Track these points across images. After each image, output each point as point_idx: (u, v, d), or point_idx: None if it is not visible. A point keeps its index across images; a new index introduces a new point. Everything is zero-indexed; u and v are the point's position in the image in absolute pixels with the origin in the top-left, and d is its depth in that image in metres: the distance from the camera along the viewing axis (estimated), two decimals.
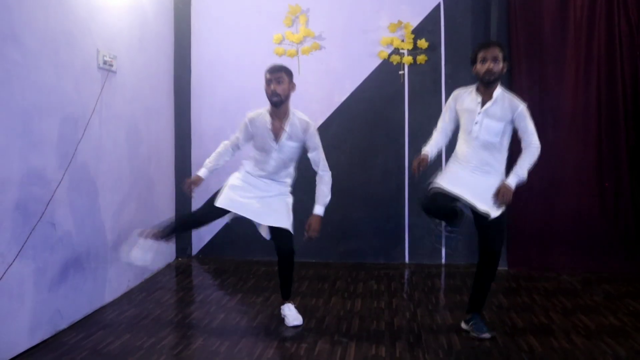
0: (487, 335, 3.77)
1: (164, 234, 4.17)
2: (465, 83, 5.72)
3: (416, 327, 4.02)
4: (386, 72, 5.92)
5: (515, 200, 5.45)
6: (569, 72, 5.61)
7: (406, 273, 5.60)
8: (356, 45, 5.95)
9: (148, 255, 4.09)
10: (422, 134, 5.81)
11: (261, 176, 4.12)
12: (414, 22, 5.87)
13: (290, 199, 4.21)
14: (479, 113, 3.76)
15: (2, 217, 3.32)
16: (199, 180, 4.30)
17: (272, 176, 4.12)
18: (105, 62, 4.46)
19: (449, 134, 4.08)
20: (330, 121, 5.99)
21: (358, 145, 5.97)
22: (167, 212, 5.91)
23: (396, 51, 5.89)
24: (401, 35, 5.87)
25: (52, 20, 3.79)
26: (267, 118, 4.02)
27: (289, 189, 4.24)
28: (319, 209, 4.15)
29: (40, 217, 3.64)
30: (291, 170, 4.22)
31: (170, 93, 6.05)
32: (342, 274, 5.45)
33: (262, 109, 4.10)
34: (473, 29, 5.82)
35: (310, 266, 5.62)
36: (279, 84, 3.91)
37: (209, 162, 4.31)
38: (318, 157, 4.15)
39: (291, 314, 4.13)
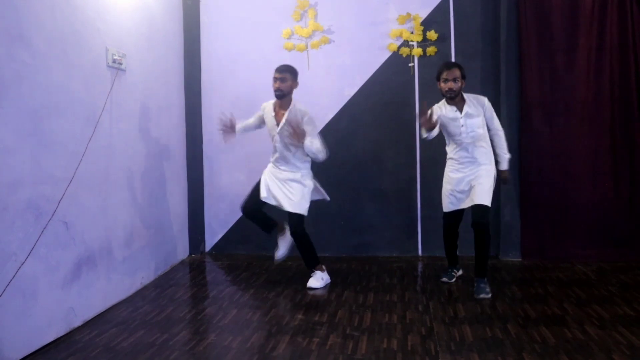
0: (483, 296, 4.47)
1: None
2: (476, 74, 5.76)
3: (428, 319, 4.01)
4: (396, 65, 5.90)
5: (527, 191, 5.47)
6: (580, 60, 5.54)
7: (419, 266, 5.59)
8: (365, 39, 5.93)
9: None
10: None
11: (279, 165, 4.90)
12: (423, 14, 5.83)
13: (307, 184, 4.90)
14: (461, 118, 4.55)
15: (14, 216, 3.35)
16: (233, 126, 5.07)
17: (286, 162, 4.87)
18: (114, 61, 4.48)
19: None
20: (341, 115, 5.98)
21: (369, 138, 5.95)
22: (179, 208, 5.95)
23: (405, 43, 5.86)
24: (410, 27, 5.84)
25: (60, 20, 3.82)
26: (272, 107, 4.88)
27: (306, 173, 4.93)
28: (308, 140, 4.67)
29: (52, 216, 3.68)
30: (300, 155, 4.85)
31: (181, 89, 6.07)
32: (354, 268, 5.44)
33: (273, 100, 4.89)
34: (482, 18, 5.77)
35: (323, 260, 5.58)
36: (283, 83, 4.72)
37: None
38: (314, 136, 4.75)
39: (311, 279, 4.91)
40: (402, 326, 3.88)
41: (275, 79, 4.72)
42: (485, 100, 4.61)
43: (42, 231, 3.58)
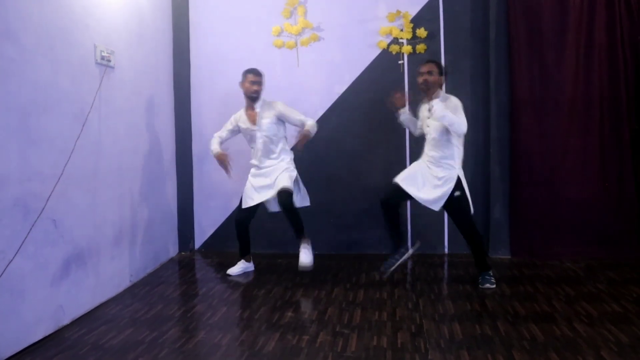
0: (488, 285, 4.66)
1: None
2: (465, 71, 5.78)
3: (418, 317, 4.01)
4: (386, 62, 5.90)
5: (517, 188, 5.49)
6: (569, 58, 5.56)
7: (409, 263, 5.59)
8: (355, 36, 5.93)
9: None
10: None
11: (263, 162, 5.08)
12: (413, 11, 5.83)
13: (294, 173, 5.07)
14: (428, 118, 4.71)
15: (1, 214, 3.32)
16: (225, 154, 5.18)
17: (269, 155, 5.07)
18: (102, 58, 4.45)
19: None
20: (331, 112, 5.98)
21: (359, 136, 5.96)
22: (168, 206, 5.93)
23: (395, 41, 5.86)
24: (400, 24, 5.84)
25: (47, 16, 3.79)
26: (241, 113, 5.16)
27: (291, 165, 5.12)
28: (310, 126, 5.01)
29: (40, 213, 3.65)
30: (282, 146, 5.11)
31: (170, 87, 6.04)
32: (344, 265, 5.44)
33: (240, 110, 5.21)
34: (472, 16, 5.78)
35: (314, 259, 5.60)
36: (260, 85, 5.06)
37: (214, 141, 5.26)
38: (296, 117, 5.06)
39: (301, 255, 4.96)
40: (392, 324, 3.88)
41: (254, 82, 5.02)
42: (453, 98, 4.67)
43: (31, 229, 3.55)
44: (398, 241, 4.99)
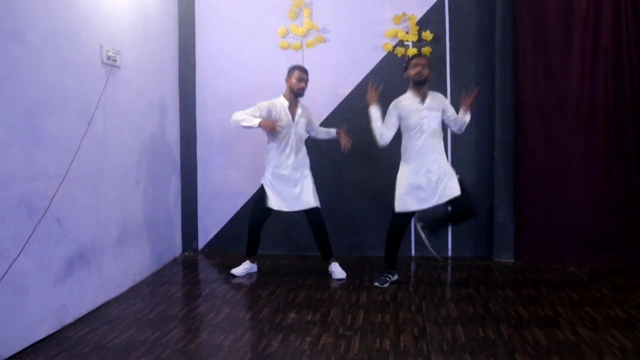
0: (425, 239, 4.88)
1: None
2: (470, 74, 5.78)
3: (421, 320, 4.01)
4: (391, 65, 5.90)
5: (521, 191, 5.49)
6: (575, 61, 5.55)
7: (412, 266, 5.59)
8: (360, 38, 5.93)
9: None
10: None
11: (287, 160, 5.10)
12: (419, 14, 5.83)
13: (311, 175, 5.23)
14: (422, 110, 4.74)
15: (6, 212, 3.33)
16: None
17: (297, 154, 5.13)
18: (109, 58, 4.46)
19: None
20: (335, 114, 5.98)
21: (363, 138, 5.91)
22: (172, 206, 5.94)
23: (401, 43, 5.86)
24: (405, 27, 5.84)
25: (54, 15, 3.80)
26: (285, 103, 5.11)
27: (308, 166, 5.25)
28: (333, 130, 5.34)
29: (45, 213, 3.66)
30: (304, 148, 5.24)
31: (175, 87, 6.05)
32: (347, 267, 5.42)
33: (275, 99, 5.12)
34: (478, 19, 5.78)
35: (316, 259, 5.61)
36: (306, 83, 5.11)
37: (243, 115, 4.99)
38: (317, 126, 5.43)
39: (337, 270, 5.19)
40: (394, 326, 3.88)
41: (302, 79, 5.06)
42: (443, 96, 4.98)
43: (35, 228, 3.56)
44: (393, 262, 5.02)
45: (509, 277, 5.13)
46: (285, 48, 6.00)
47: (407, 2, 5.84)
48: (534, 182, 5.62)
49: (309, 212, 5.13)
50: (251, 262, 5.40)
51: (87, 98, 4.21)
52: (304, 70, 5.10)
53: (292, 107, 5.14)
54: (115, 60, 4.56)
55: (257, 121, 4.86)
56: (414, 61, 4.76)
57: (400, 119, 4.83)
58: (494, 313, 4.12)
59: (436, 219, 4.90)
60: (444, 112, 4.84)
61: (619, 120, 5.53)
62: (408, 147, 4.83)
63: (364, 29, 5.93)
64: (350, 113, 5.94)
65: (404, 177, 4.82)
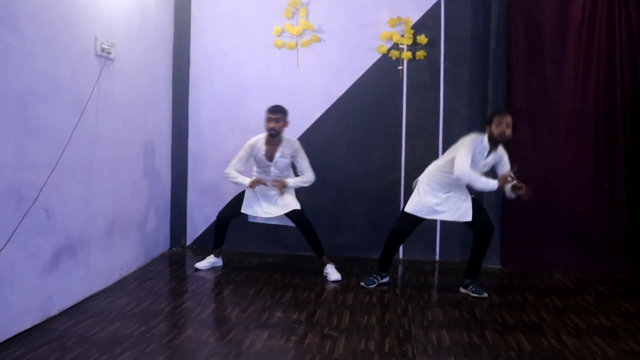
0: (485, 295, 4.64)
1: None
2: (463, 80, 5.80)
3: (407, 322, 4.02)
4: (385, 67, 5.91)
5: (509, 200, 5.52)
6: (568, 71, 5.59)
7: (399, 269, 5.60)
8: (355, 39, 5.94)
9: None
10: (419, 129, 5.84)
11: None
12: (414, 18, 5.85)
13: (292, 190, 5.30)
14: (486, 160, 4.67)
15: None
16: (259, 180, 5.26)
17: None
18: (103, 50, 4.44)
19: None
20: (328, 115, 5.99)
21: (354, 139, 5.96)
22: (162, 201, 5.92)
23: (395, 46, 5.88)
24: (401, 30, 5.86)
25: (49, 5, 3.78)
26: (260, 144, 5.20)
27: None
28: (292, 182, 5.21)
29: (33, 203, 3.64)
30: (291, 173, 5.37)
31: (169, 82, 6.03)
32: (335, 268, 5.43)
33: (261, 135, 5.22)
34: (473, 25, 5.80)
35: (304, 259, 5.61)
36: (277, 123, 5.05)
37: (236, 173, 5.26)
38: (304, 165, 5.24)
39: (332, 272, 5.18)
40: (380, 328, 3.89)
41: (270, 119, 5.05)
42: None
43: (23, 218, 3.54)
44: (387, 265, 5.01)
45: (495, 282, 5.16)
46: (280, 47, 6.00)
47: (403, 6, 5.85)
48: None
49: (292, 215, 5.17)
50: (215, 256, 5.48)
51: (80, 89, 4.19)
52: (272, 111, 5.08)
53: (271, 147, 5.19)
54: (109, 53, 4.54)
55: (247, 182, 5.18)
56: (503, 119, 4.54)
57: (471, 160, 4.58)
58: (479, 318, 4.14)
59: (474, 264, 4.84)
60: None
61: (608, 130, 5.57)
62: (444, 178, 4.74)
63: (359, 31, 5.93)
64: (343, 114, 5.95)
65: (426, 189, 4.79)
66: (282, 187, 5.13)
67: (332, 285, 4.96)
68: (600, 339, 3.74)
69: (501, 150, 4.70)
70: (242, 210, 5.23)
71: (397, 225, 4.89)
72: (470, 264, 4.84)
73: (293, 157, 5.21)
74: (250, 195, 5.26)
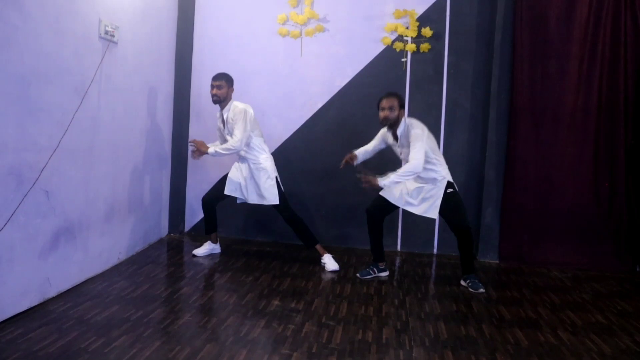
0: (481, 290, 4.65)
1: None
2: (467, 73, 5.78)
3: (404, 314, 4.02)
4: (389, 59, 5.89)
5: (510, 194, 5.51)
6: (572, 69, 5.57)
7: (397, 261, 5.60)
8: (360, 30, 5.92)
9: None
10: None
11: (240, 161, 5.23)
12: (420, 10, 5.82)
13: (261, 175, 5.11)
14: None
15: None
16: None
17: (238, 158, 5.23)
18: (106, 32, 4.42)
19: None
20: (330, 105, 5.97)
21: (355, 130, 5.94)
22: (161, 187, 5.91)
23: (400, 38, 5.85)
24: (406, 22, 5.83)
25: None
26: (219, 113, 5.22)
27: (257, 165, 5.12)
28: (212, 148, 5.02)
29: (34, 184, 3.63)
30: (249, 153, 5.13)
31: (171, 68, 6.01)
32: (333, 258, 5.44)
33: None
34: (478, 19, 5.77)
35: (302, 249, 5.61)
36: (219, 89, 5.02)
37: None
38: (235, 132, 4.98)
39: (330, 262, 5.18)
40: (377, 319, 3.90)
41: (212, 86, 5.04)
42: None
43: (23, 199, 3.53)
44: (380, 254, 5.00)
45: (493, 277, 5.16)
46: (284, 35, 5.98)
47: None
48: (523, 186, 5.65)
49: (274, 207, 5.19)
50: (213, 241, 5.47)
51: (83, 72, 4.18)
52: (214, 78, 5.05)
53: (222, 113, 5.17)
54: (113, 36, 4.52)
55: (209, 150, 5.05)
56: (380, 105, 4.71)
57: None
58: (476, 312, 4.15)
59: (463, 261, 4.83)
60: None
61: (610, 129, 5.56)
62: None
63: (364, 22, 5.91)
64: (345, 105, 5.94)
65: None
66: (199, 151, 5.01)
67: (329, 276, 4.95)
68: (596, 336, 3.74)
69: (409, 133, 4.61)
70: (226, 192, 5.15)
71: (369, 205, 4.95)
72: (460, 261, 4.88)
73: (233, 121, 5.03)
74: (231, 178, 5.18)
